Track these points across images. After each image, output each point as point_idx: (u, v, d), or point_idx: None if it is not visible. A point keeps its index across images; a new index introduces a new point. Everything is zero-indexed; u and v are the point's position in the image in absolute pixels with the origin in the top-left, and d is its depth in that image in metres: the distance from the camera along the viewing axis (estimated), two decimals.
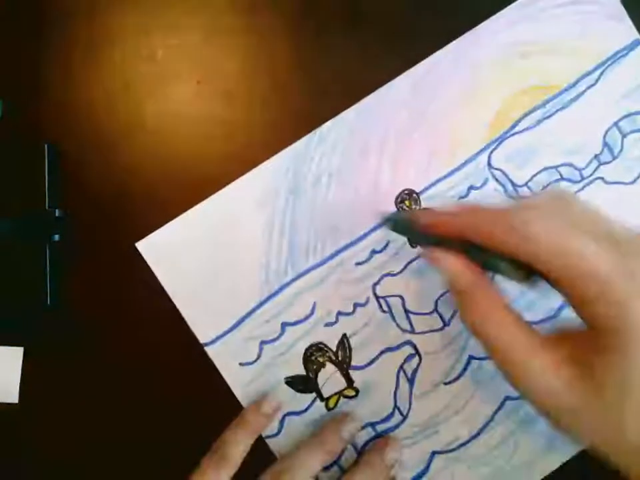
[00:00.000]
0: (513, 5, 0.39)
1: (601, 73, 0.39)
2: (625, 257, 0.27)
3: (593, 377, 0.27)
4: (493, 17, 0.39)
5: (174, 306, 0.39)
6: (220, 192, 0.39)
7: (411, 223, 0.33)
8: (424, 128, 0.39)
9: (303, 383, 0.39)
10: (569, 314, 0.35)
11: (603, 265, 0.27)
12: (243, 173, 0.39)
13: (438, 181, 0.39)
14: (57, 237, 0.39)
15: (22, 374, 0.39)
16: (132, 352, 0.39)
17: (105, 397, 0.39)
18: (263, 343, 0.39)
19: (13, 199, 0.39)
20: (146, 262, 0.39)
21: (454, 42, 0.39)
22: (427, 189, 0.39)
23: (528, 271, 0.29)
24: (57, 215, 0.39)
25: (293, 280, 0.39)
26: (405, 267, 0.39)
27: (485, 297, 0.30)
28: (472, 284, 0.31)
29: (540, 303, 0.39)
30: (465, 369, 0.39)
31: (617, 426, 0.27)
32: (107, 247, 0.39)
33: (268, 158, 0.39)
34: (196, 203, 0.39)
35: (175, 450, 0.38)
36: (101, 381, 0.39)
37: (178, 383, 0.39)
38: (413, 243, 0.39)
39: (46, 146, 0.39)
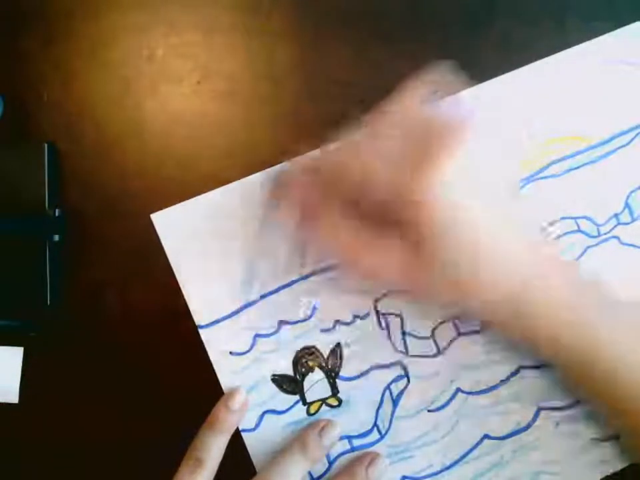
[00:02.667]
0: (566, 51, 0.40)
1: (636, 135, 0.40)
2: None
3: (421, 256, 0.33)
4: (543, 60, 0.40)
5: (177, 307, 0.39)
6: (242, 180, 0.39)
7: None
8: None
9: (289, 384, 0.39)
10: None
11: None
12: (242, 173, 0.39)
13: None
14: (56, 237, 0.39)
15: (22, 374, 0.39)
16: (132, 352, 0.39)
17: (105, 397, 0.39)
18: (257, 335, 0.39)
19: (12, 199, 0.39)
20: (147, 262, 0.39)
21: (500, 77, 0.39)
22: None
23: None
24: (56, 214, 0.39)
25: (300, 279, 0.39)
26: None
27: (324, 207, 0.35)
28: (309, 196, 0.35)
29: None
30: (450, 400, 0.39)
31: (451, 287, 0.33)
32: (107, 247, 0.39)
33: (268, 158, 0.39)
34: None
35: (175, 450, 0.38)
36: (101, 380, 0.39)
37: (179, 382, 0.39)
38: None
39: (46, 146, 0.39)
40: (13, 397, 0.39)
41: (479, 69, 0.39)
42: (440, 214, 0.31)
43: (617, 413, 0.34)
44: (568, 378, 0.36)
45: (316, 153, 0.37)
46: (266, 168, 0.39)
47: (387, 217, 0.33)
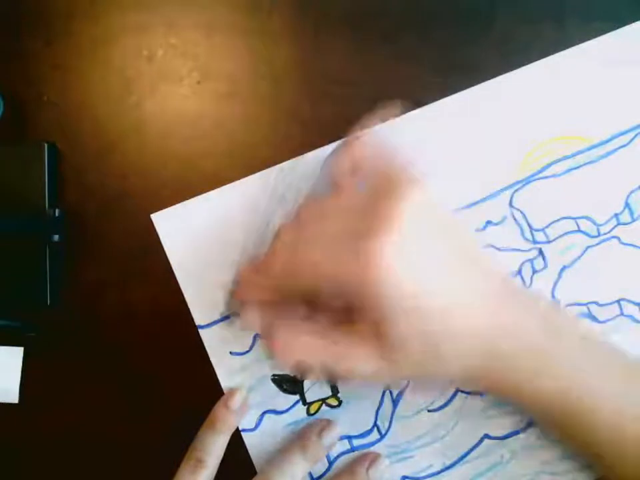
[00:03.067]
0: (564, 51, 0.39)
1: (636, 135, 0.39)
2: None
3: (385, 346, 0.31)
4: (543, 60, 0.39)
5: (177, 307, 0.39)
6: (242, 180, 0.39)
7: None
8: (453, 156, 0.39)
9: (289, 384, 0.39)
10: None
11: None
12: (242, 173, 0.39)
13: (458, 210, 0.39)
14: (56, 237, 0.39)
15: (22, 374, 0.39)
16: (132, 352, 0.39)
17: (105, 397, 0.39)
18: (257, 336, 0.39)
19: (12, 199, 0.39)
20: (147, 262, 0.39)
21: (500, 77, 0.39)
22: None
23: None
24: (56, 214, 0.39)
25: None
26: None
27: (281, 325, 0.34)
28: (265, 323, 0.34)
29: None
30: (450, 400, 0.39)
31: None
32: (107, 247, 0.40)
33: (268, 158, 0.39)
34: None
35: (175, 449, 0.38)
36: (101, 380, 0.40)
37: (179, 382, 0.39)
38: None
39: (46, 146, 0.39)
40: (13, 397, 0.39)
41: (479, 68, 0.39)
42: (389, 289, 0.30)
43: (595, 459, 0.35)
44: (542, 423, 0.37)
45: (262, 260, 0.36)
46: (266, 168, 0.39)
47: (346, 308, 0.32)
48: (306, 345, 0.33)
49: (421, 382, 0.38)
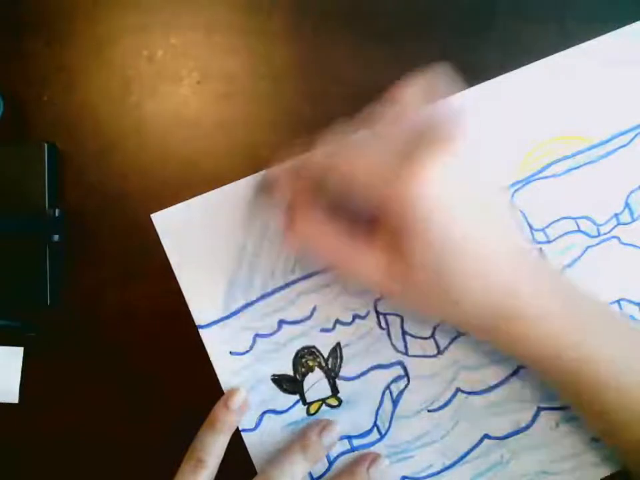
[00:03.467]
0: (566, 51, 0.40)
1: (635, 135, 0.40)
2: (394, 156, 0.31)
3: (398, 263, 0.32)
4: (543, 60, 0.40)
5: (177, 307, 0.39)
6: (241, 180, 0.39)
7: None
8: None
9: (289, 384, 0.39)
10: None
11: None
12: (242, 173, 0.39)
13: None
14: (56, 237, 0.39)
15: (22, 374, 0.39)
16: (132, 352, 0.39)
17: (105, 397, 0.39)
18: (257, 335, 0.39)
19: (12, 199, 0.39)
20: (147, 262, 0.39)
21: (501, 77, 0.39)
22: None
23: None
24: (56, 214, 0.39)
25: (299, 280, 0.39)
26: None
27: (306, 209, 0.34)
28: (294, 198, 0.35)
29: None
30: (450, 400, 0.39)
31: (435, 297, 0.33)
32: (107, 247, 0.40)
33: (268, 157, 0.39)
34: None
35: (175, 449, 0.38)
36: (101, 380, 0.39)
37: (179, 382, 0.39)
38: None
39: (46, 146, 0.39)
40: (13, 397, 0.39)
41: (479, 69, 0.39)
42: (422, 209, 0.30)
43: (608, 427, 0.34)
44: (554, 384, 0.36)
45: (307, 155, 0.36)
46: (266, 168, 0.39)
47: (374, 217, 0.33)
48: (321, 238, 0.34)
49: (425, 311, 0.37)
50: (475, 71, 0.39)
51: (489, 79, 0.39)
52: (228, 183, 0.39)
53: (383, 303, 0.39)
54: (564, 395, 0.35)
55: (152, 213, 0.39)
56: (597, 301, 0.35)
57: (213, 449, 0.37)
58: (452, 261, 0.31)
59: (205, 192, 0.39)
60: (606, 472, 0.38)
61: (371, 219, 0.33)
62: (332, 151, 0.33)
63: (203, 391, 0.39)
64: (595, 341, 0.32)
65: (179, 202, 0.39)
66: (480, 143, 0.34)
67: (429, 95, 0.34)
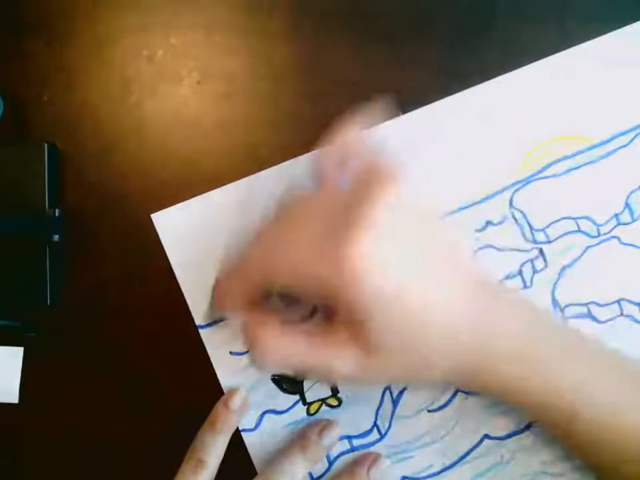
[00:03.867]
0: (566, 51, 0.39)
1: (635, 136, 0.39)
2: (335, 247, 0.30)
3: (365, 347, 0.31)
4: (543, 60, 0.39)
5: (177, 307, 0.39)
6: (242, 180, 0.39)
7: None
8: (453, 156, 0.39)
9: (289, 384, 0.39)
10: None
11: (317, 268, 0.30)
12: (242, 173, 0.39)
13: (458, 210, 0.39)
14: (56, 237, 0.39)
15: (22, 374, 0.39)
16: (132, 352, 0.39)
17: (105, 397, 0.39)
18: None
19: (12, 199, 0.39)
20: (147, 262, 0.39)
21: (500, 77, 0.39)
22: (446, 215, 0.39)
23: None
24: (56, 214, 0.39)
25: None
26: None
27: (263, 329, 0.33)
28: (248, 323, 0.34)
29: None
30: (450, 400, 0.39)
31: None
32: (107, 247, 0.40)
33: (268, 158, 0.39)
34: None
35: (175, 450, 0.38)
36: (101, 380, 0.40)
37: (179, 382, 0.39)
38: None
39: (46, 146, 0.39)
40: (13, 397, 0.39)
41: (480, 69, 0.39)
42: (364, 294, 0.29)
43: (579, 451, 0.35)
44: (537, 421, 0.36)
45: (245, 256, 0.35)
46: (266, 168, 0.39)
47: (326, 307, 0.32)
48: (286, 348, 0.33)
49: (411, 384, 0.38)
50: (475, 71, 0.39)
51: (489, 79, 0.39)
52: (228, 183, 0.39)
53: None
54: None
55: (152, 212, 0.39)
56: (563, 325, 0.35)
57: (213, 449, 0.37)
58: (414, 334, 0.31)
59: (205, 192, 0.39)
60: None
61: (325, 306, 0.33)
62: (259, 264, 0.33)
63: (203, 391, 0.39)
64: (562, 367, 0.32)
65: (179, 202, 0.39)
66: (415, 179, 0.34)
67: (348, 154, 0.34)
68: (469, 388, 0.37)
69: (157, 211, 0.39)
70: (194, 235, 0.39)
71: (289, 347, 0.33)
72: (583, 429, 0.32)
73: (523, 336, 0.32)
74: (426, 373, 0.33)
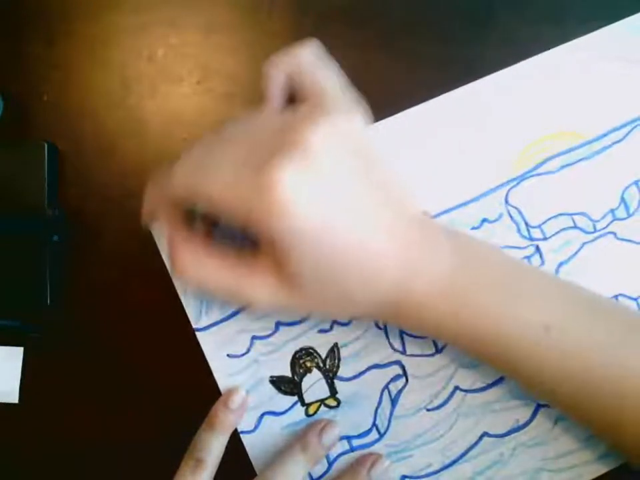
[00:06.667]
0: (557, 48, 0.40)
1: (630, 131, 0.40)
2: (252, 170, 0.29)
3: (286, 279, 0.31)
4: (537, 56, 0.40)
5: (177, 308, 0.39)
6: None
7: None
8: (449, 153, 0.39)
9: (287, 385, 0.39)
10: None
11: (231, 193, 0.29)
12: None
13: (453, 208, 0.39)
14: (56, 237, 0.39)
15: (22, 374, 0.39)
16: (131, 353, 0.39)
17: (104, 398, 0.39)
18: (254, 337, 0.39)
19: (12, 199, 0.39)
20: (147, 262, 0.39)
21: (495, 74, 0.39)
22: (441, 213, 0.39)
23: None
24: (56, 214, 0.39)
25: None
26: None
27: (184, 244, 0.33)
28: (171, 234, 0.33)
29: None
30: (448, 399, 0.39)
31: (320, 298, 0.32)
32: (107, 247, 0.40)
33: None
34: None
35: (174, 450, 0.37)
36: (101, 381, 0.39)
37: (179, 384, 0.39)
38: None
39: (46, 146, 0.39)
40: (13, 397, 0.39)
41: (479, 69, 0.39)
42: (284, 223, 0.28)
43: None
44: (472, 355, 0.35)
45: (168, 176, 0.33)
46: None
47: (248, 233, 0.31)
48: (207, 270, 0.32)
49: (334, 317, 0.38)
50: (474, 72, 0.39)
51: None
52: None
53: None
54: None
55: None
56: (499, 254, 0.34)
57: (212, 449, 0.37)
58: (335, 270, 0.30)
59: None
60: (604, 469, 0.38)
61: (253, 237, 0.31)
62: (184, 175, 0.31)
63: (203, 391, 0.39)
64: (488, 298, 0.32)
65: None
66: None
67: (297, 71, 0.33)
68: (395, 325, 0.37)
69: None
70: None
71: (210, 268, 0.32)
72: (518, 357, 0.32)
73: (445, 272, 0.31)
74: (348, 309, 0.33)
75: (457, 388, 0.39)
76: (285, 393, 0.39)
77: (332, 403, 0.39)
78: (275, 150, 0.28)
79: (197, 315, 0.39)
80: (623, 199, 0.39)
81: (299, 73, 0.33)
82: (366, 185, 0.30)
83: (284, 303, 0.32)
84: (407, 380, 0.39)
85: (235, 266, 0.32)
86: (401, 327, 0.34)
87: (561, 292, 0.33)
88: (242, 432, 0.39)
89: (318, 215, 0.28)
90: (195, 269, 0.32)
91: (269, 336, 0.39)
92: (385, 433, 0.39)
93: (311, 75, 0.33)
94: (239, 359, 0.39)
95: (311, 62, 0.33)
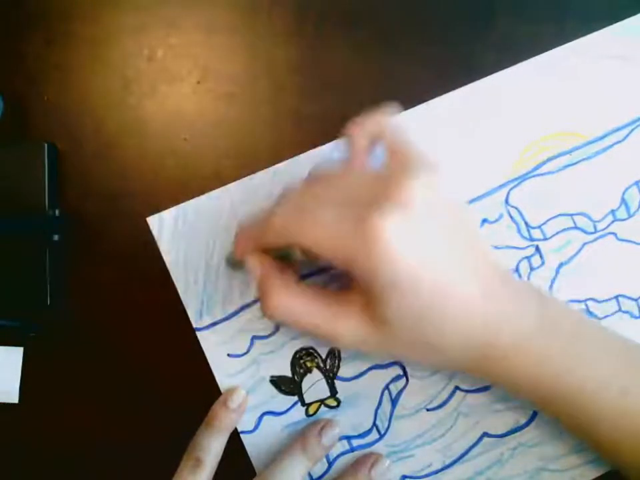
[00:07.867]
0: (560, 47, 0.40)
1: (631, 131, 0.40)
2: (356, 221, 0.30)
3: (377, 320, 0.32)
4: (538, 57, 0.40)
5: (177, 308, 0.39)
6: (241, 180, 0.39)
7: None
8: (449, 154, 0.40)
9: (288, 385, 0.39)
10: None
11: (337, 239, 0.31)
12: (242, 173, 0.39)
13: None
14: (56, 237, 0.39)
15: (22, 374, 0.39)
16: (131, 352, 0.39)
17: (105, 397, 0.39)
18: (255, 337, 0.39)
19: (12, 199, 0.39)
20: (147, 262, 0.39)
21: (494, 75, 0.40)
22: None
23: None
24: (56, 214, 0.39)
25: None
26: None
27: (277, 285, 0.34)
28: (264, 276, 0.34)
29: None
30: (449, 399, 0.39)
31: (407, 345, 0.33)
32: (107, 247, 0.40)
33: (268, 158, 0.39)
34: None
35: (174, 450, 0.37)
36: (101, 381, 0.39)
37: (178, 384, 0.39)
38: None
39: (46, 146, 0.39)
40: (13, 397, 0.39)
41: (479, 69, 0.39)
42: (385, 272, 0.30)
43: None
44: (544, 410, 0.36)
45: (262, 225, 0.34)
46: (266, 168, 0.39)
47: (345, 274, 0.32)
48: (297, 306, 0.33)
49: (414, 362, 0.38)
50: (474, 72, 0.39)
51: None
52: (228, 183, 0.39)
53: None
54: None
55: (152, 212, 0.39)
56: (581, 318, 0.35)
57: (211, 449, 0.37)
58: (427, 316, 0.31)
59: (204, 192, 0.39)
60: (604, 469, 0.38)
61: (343, 276, 0.33)
62: (286, 221, 0.32)
63: (203, 390, 0.39)
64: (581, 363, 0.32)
65: (179, 202, 0.39)
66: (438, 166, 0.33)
67: (380, 135, 0.34)
68: (473, 374, 0.36)
69: (156, 211, 0.39)
70: (190, 237, 0.39)
71: (300, 305, 0.33)
72: (591, 415, 0.32)
73: (532, 326, 0.32)
74: (434, 357, 0.33)
75: (457, 388, 0.39)
76: (285, 393, 0.39)
77: (332, 403, 0.39)
78: (373, 201, 0.30)
79: (197, 314, 0.39)
80: (623, 200, 0.39)
81: (381, 135, 0.35)
82: (459, 233, 0.32)
83: (371, 345, 0.33)
84: (407, 380, 0.39)
85: (326, 305, 0.33)
86: (482, 376, 0.35)
87: (637, 357, 0.34)
88: (242, 432, 0.39)
89: (419, 261, 0.30)
90: (286, 307, 0.33)
91: (269, 336, 0.39)
92: (385, 433, 0.39)
93: (391, 136, 0.34)
94: (239, 358, 0.39)
95: (392, 125, 0.35)
